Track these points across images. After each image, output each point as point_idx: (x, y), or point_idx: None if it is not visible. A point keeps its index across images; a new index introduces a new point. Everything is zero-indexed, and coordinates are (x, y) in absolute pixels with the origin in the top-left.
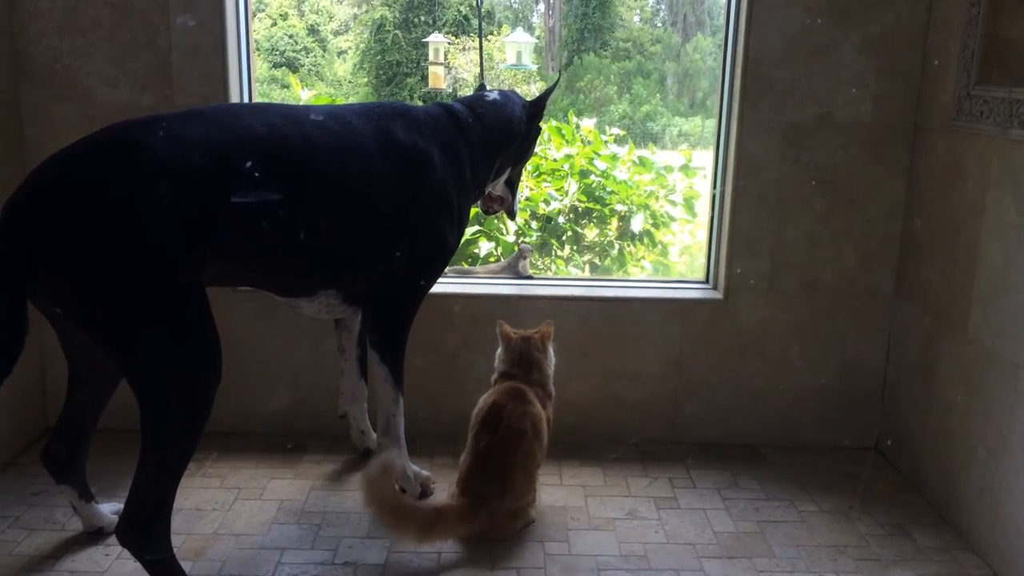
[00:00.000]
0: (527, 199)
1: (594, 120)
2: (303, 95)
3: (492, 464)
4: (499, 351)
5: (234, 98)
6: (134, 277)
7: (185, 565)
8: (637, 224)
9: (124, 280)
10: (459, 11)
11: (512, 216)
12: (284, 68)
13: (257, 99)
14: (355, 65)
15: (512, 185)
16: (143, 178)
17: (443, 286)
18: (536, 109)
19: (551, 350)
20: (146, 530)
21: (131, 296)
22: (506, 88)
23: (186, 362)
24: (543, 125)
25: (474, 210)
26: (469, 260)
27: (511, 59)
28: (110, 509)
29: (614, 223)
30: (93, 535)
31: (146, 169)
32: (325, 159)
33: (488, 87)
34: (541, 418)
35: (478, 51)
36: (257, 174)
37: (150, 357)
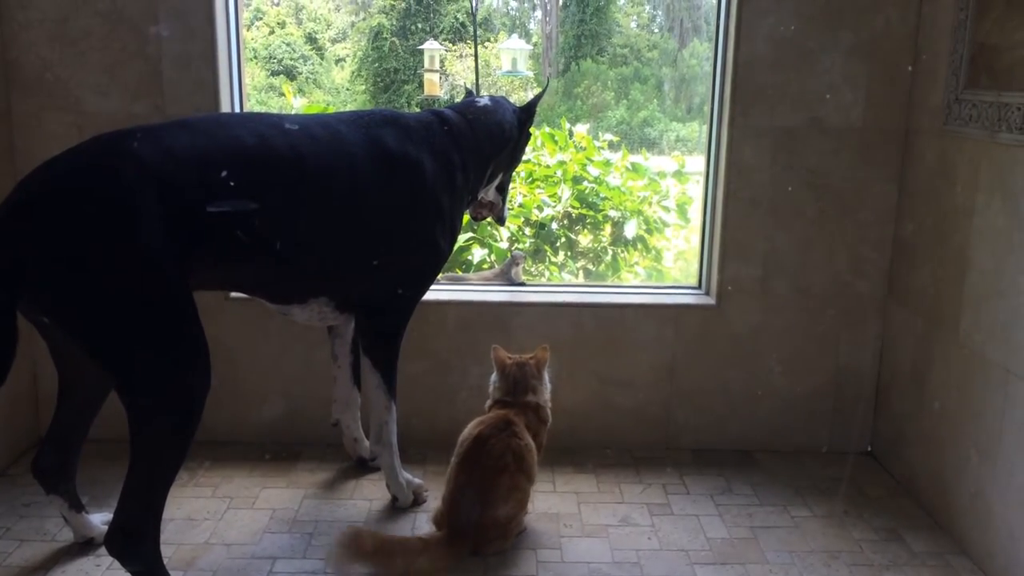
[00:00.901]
0: (520, 205)
1: (587, 126)
2: (295, 103)
3: (472, 499)
4: (493, 377)
5: (225, 107)
6: (122, 285)
7: (176, 575)
8: (630, 230)
9: (112, 288)
10: (456, 18)
11: (501, 222)
12: (282, 76)
13: (253, 107)
14: (353, 73)
15: (502, 191)
16: (130, 187)
17: (436, 293)
18: (527, 114)
19: (547, 376)
20: (135, 539)
21: (119, 304)
22: (497, 94)
23: (175, 371)
24: (533, 130)
25: (466, 217)
26: (462, 267)
27: (507, 66)
28: (101, 519)
29: (607, 229)
30: (84, 545)
31: (133, 178)
32: (311, 168)
33: (479, 93)
34: (529, 450)
35: (474, 58)
36: (232, 183)
37: (139, 366)
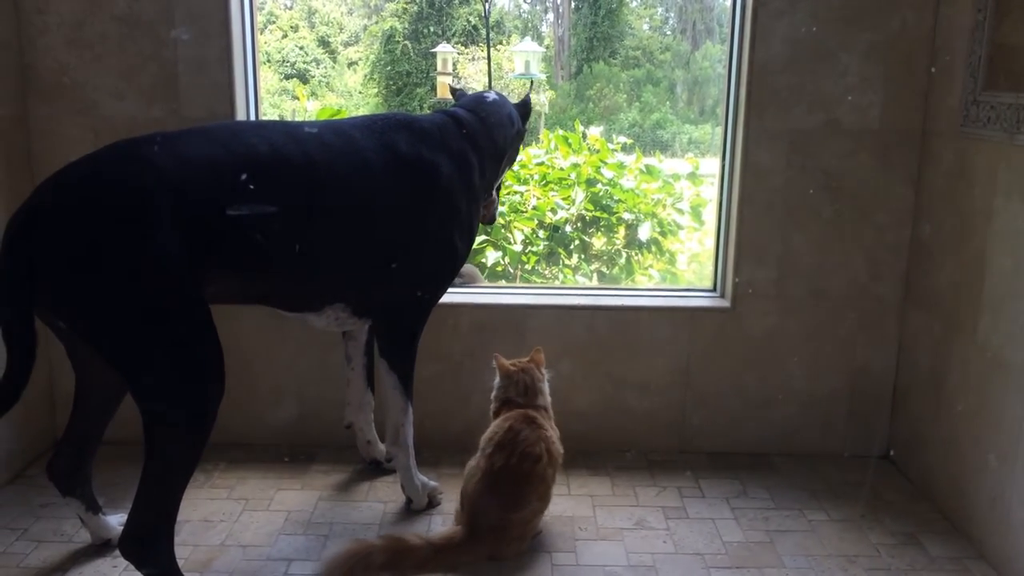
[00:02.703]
0: (534, 208)
1: (601, 128)
2: (309, 106)
3: (505, 487)
4: (497, 383)
5: (240, 110)
6: (136, 291)
7: None
8: (644, 232)
9: (125, 294)
10: (468, 21)
11: (492, 221)
12: (295, 79)
13: (267, 111)
14: (365, 76)
15: (497, 189)
16: (144, 194)
17: (450, 296)
18: (525, 109)
19: (546, 376)
20: (149, 543)
21: (133, 310)
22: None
23: (189, 376)
24: (547, 132)
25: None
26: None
27: (519, 68)
28: (118, 521)
29: (621, 232)
30: (101, 547)
31: (147, 185)
32: (325, 176)
33: (469, 92)
34: (554, 442)
35: (486, 61)
36: (252, 187)
37: (152, 372)
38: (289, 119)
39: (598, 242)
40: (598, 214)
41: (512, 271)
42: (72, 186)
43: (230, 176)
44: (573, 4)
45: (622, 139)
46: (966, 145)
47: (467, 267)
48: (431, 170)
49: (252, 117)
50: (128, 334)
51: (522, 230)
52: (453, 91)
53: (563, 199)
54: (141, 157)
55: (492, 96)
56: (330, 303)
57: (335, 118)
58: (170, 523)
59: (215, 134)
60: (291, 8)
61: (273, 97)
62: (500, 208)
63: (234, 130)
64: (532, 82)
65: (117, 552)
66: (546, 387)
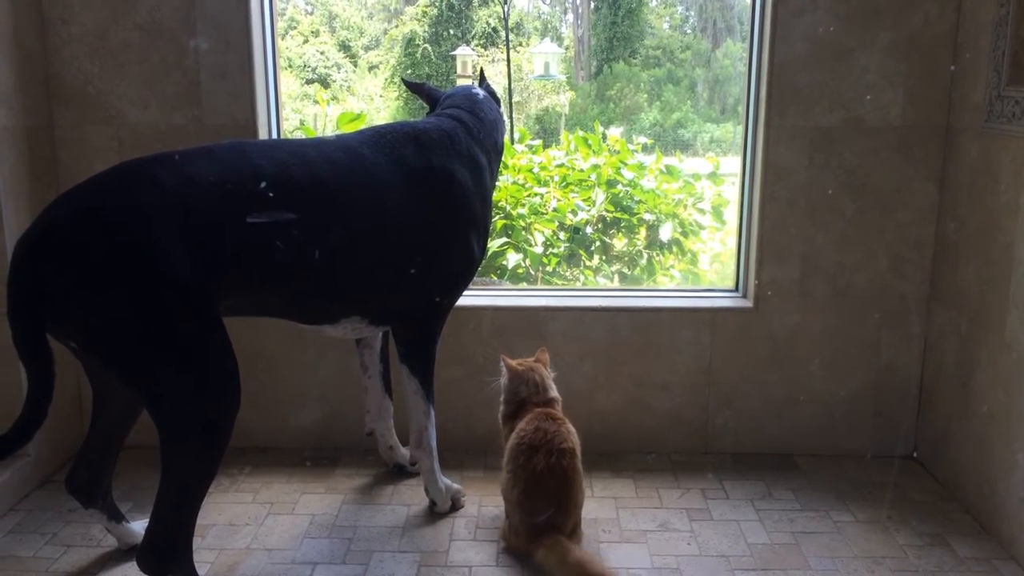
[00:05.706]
0: (554, 210)
1: (621, 129)
2: (330, 111)
3: (551, 485)
4: (506, 384)
5: (262, 116)
6: (143, 311)
7: None
8: (666, 233)
9: (133, 314)
10: (488, 23)
11: None
12: (316, 84)
13: (288, 116)
14: (386, 80)
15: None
16: (150, 215)
17: (471, 299)
18: (497, 100)
19: (551, 374)
20: (167, 557)
21: (140, 330)
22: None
23: (202, 393)
24: (567, 134)
25: (500, 223)
26: (497, 272)
27: (539, 70)
28: (142, 526)
29: (642, 232)
30: (129, 552)
31: (153, 206)
32: (335, 198)
33: (512, 98)
34: (574, 433)
35: (506, 63)
36: (263, 209)
37: (165, 388)
38: (311, 128)
39: (619, 243)
40: (619, 215)
41: (533, 273)
42: (74, 208)
43: (235, 197)
44: (592, 4)
45: (642, 140)
46: (991, 141)
47: None
48: (445, 179)
49: (274, 123)
50: (136, 354)
51: (543, 232)
52: (419, 86)
53: (583, 200)
54: (146, 178)
55: (480, 92)
56: (346, 315)
57: (344, 133)
58: (188, 536)
59: (220, 155)
60: (311, 13)
61: (295, 102)
62: (520, 210)
63: (241, 150)
64: (481, 69)
65: None
66: (553, 383)
